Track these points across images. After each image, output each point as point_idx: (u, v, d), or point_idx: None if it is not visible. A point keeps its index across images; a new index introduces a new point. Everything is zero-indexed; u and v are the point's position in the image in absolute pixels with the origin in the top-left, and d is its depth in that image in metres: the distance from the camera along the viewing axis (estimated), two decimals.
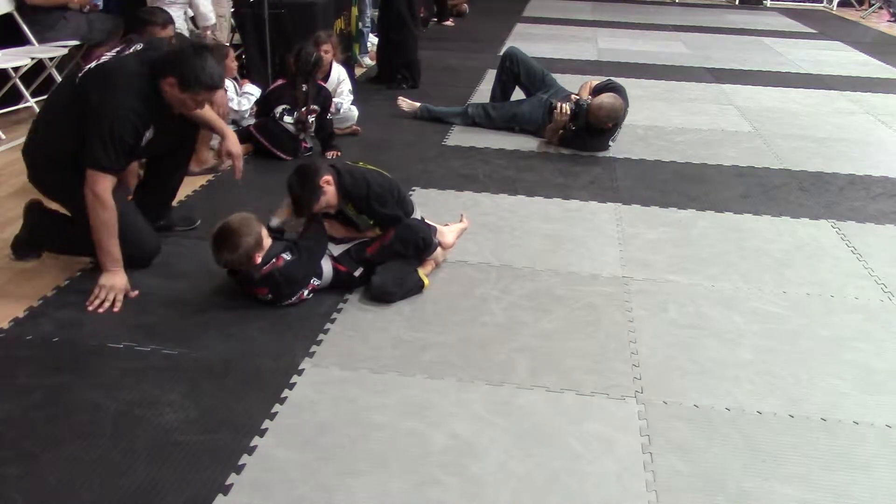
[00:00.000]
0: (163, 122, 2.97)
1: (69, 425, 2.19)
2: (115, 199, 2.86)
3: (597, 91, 4.93)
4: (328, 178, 2.94)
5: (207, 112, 3.24)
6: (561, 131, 4.94)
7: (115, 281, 2.85)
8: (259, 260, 2.77)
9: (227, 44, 5.31)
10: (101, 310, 2.78)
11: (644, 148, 5.07)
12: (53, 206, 3.13)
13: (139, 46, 2.98)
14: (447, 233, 3.27)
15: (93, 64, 2.93)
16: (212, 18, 5.17)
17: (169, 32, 3.77)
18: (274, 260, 2.80)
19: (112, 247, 2.84)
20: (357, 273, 2.99)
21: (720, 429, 2.33)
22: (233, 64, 4.80)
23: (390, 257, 3.01)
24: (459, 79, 6.90)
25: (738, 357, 2.72)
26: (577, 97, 4.95)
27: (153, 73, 2.83)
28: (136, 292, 2.90)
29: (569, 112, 4.81)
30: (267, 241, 2.81)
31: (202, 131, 3.54)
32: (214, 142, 4.49)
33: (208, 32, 5.15)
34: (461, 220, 3.47)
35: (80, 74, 2.91)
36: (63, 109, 2.92)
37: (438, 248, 3.18)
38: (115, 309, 2.80)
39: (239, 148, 3.32)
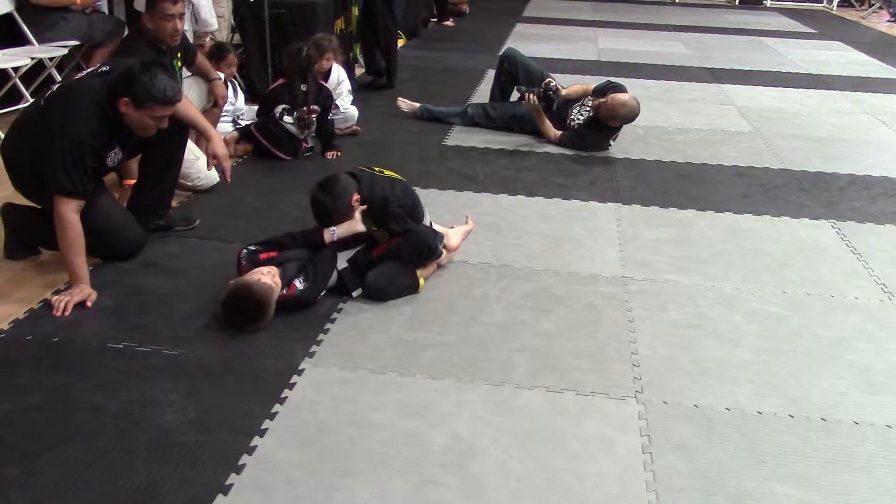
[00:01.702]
0: (131, 139, 2.98)
1: (69, 425, 2.19)
2: (95, 195, 2.89)
3: (598, 92, 4.93)
4: (357, 196, 2.95)
5: (192, 112, 3.23)
6: (560, 133, 4.95)
7: (73, 291, 2.83)
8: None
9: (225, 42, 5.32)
10: (57, 314, 2.75)
11: (644, 148, 5.07)
12: (26, 202, 3.13)
13: (105, 68, 2.99)
14: (452, 235, 3.28)
15: (55, 87, 2.95)
16: (214, 24, 5.15)
17: (180, 9, 3.74)
18: (285, 291, 2.79)
19: (77, 266, 2.84)
20: (355, 294, 2.98)
21: (720, 429, 2.33)
22: (228, 69, 4.79)
23: (392, 260, 3.01)
24: (459, 79, 6.90)
25: (737, 357, 2.72)
26: (549, 80, 4.97)
27: (110, 95, 2.84)
28: (94, 296, 2.85)
29: (536, 100, 4.85)
30: (277, 291, 2.74)
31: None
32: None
33: (208, 38, 5.13)
34: (466, 222, 3.48)
35: (46, 95, 2.93)
36: (29, 129, 2.95)
37: (444, 251, 3.19)
38: (66, 314, 2.75)
39: (225, 149, 3.31)
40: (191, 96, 4.23)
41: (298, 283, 2.82)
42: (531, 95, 4.86)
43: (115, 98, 2.82)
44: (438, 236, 3.15)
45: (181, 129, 3.30)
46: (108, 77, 2.90)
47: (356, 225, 2.98)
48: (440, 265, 3.22)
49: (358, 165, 3.22)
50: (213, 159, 3.28)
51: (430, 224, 3.21)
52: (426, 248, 3.06)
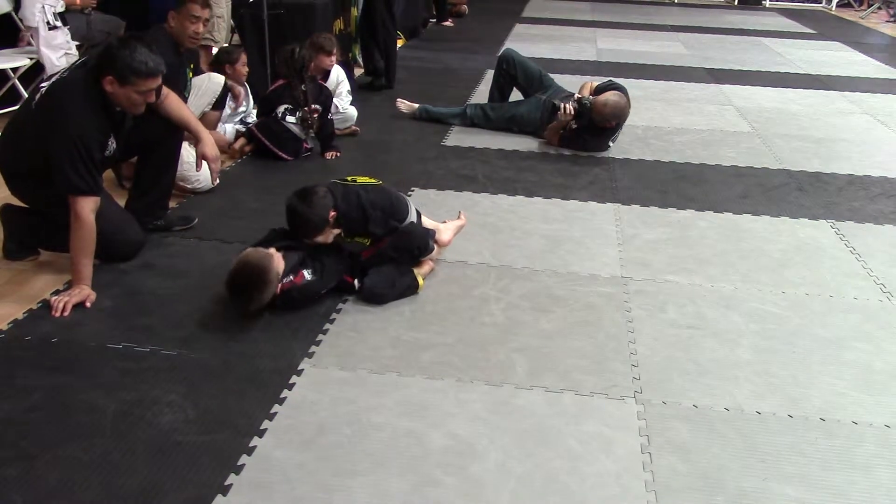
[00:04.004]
0: (122, 128, 2.97)
1: (68, 426, 2.19)
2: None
3: (599, 91, 4.93)
4: (334, 213, 2.89)
5: (184, 113, 3.22)
6: (561, 131, 4.94)
7: (73, 292, 2.83)
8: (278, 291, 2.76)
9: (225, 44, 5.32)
10: (56, 315, 2.75)
11: (643, 148, 5.07)
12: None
13: (86, 58, 2.98)
14: (444, 230, 3.27)
15: (44, 86, 2.92)
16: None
17: (206, 14, 3.83)
18: (292, 277, 2.78)
19: (83, 267, 2.84)
20: (357, 285, 2.99)
21: (719, 429, 2.33)
22: (242, 69, 4.80)
23: (385, 262, 3.01)
24: (458, 79, 6.90)
25: (737, 357, 2.72)
26: (580, 96, 4.95)
27: (95, 78, 2.81)
28: (93, 297, 2.85)
29: (572, 111, 4.80)
30: (281, 268, 2.76)
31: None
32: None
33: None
34: (459, 217, 3.47)
35: (36, 97, 2.91)
36: (24, 130, 2.94)
37: (435, 246, 3.18)
38: (65, 314, 2.75)
39: (215, 151, 3.28)
40: (196, 95, 4.24)
41: (307, 274, 2.81)
42: (567, 106, 4.79)
43: (99, 79, 2.80)
44: (429, 232, 3.15)
45: (176, 131, 3.29)
46: (90, 63, 2.88)
47: (324, 240, 2.92)
48: (432, 260, 3.21)
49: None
50: (201, 159, 3.27)
51: (420, 219, 3.19)
52: (416, 248, 3.05)
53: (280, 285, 2.76)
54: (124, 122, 2.99)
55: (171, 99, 3.14)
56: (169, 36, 3.80)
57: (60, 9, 4.77)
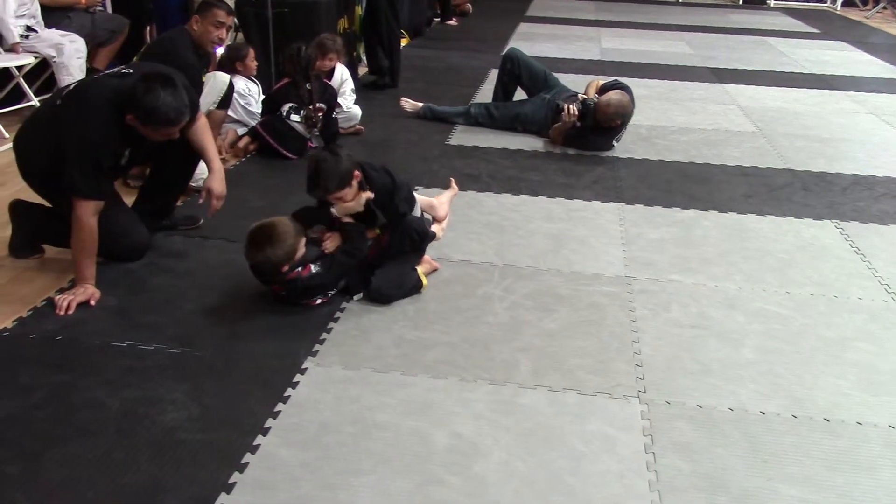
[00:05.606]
0: (139, 141, 2.96)
1: (72, 424, 2.20)
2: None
3: (604, 90, 4.92)
4: (359, 174, 2.92)
5: (206, 141, 3.17)
6: (564, 135, 4.93)
7: (77, 290, 2.83)
8: (285, 269, 2.77)
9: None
10: (60, 313, 2.76)
11: (647, 148, 5.07)
12: (37, 198, 3.13)
13: (128, 70, 2.97)
14: (439, 206, 3.33)
15: (72, 85, 2.93)
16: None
17: (230, 21, 4.00)
18: (300, 269, 2.79)
19: (84, 267, 2.85)
20: (356, 298, 2.97)
21: (723, 429, 2.33)
22: (252, 63, 4.81)
23: (390, 258, 3.01)
24: (462, 78, 6.89)
25: (741, 357, 2.72)
26: (584, 96, 4.94)
27: (121, 105, 2.80)
28: (97, 295, 2.85)
29: (576, 112, 4.80)
30: (300, 252, 2.79)
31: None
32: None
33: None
34: (450, 186, 3.47)
35: (63, 93, 2.91)
36: (44, 127, 2.94)
37: (435, 225, 3.21)
38: (69, 312, 2.76)
39: (222, 187, 3.18)
40: (202, 94, 4.24)
41: (314, 268, 2.83)
42: (571, 107, 4.79)
43: (124, 111, 2.79)
44: (426, 220, 3.16)
45: (194, 157, 3.27)
46: (125, 82, 2.84)
47: (356, 206, 2.94)
48: (435, 267, 3.21)
49: None
50: (205, 191, 3.17)
51: (422, 214, 3.23)
52: (416, 233, 3.05)
53: (287, 276, 2.77)
54: (144, 140, 2.97)
55: (199, 125, 3.11)
56: (190, 38, 3.91)
57: (28, 22, 4.78)
